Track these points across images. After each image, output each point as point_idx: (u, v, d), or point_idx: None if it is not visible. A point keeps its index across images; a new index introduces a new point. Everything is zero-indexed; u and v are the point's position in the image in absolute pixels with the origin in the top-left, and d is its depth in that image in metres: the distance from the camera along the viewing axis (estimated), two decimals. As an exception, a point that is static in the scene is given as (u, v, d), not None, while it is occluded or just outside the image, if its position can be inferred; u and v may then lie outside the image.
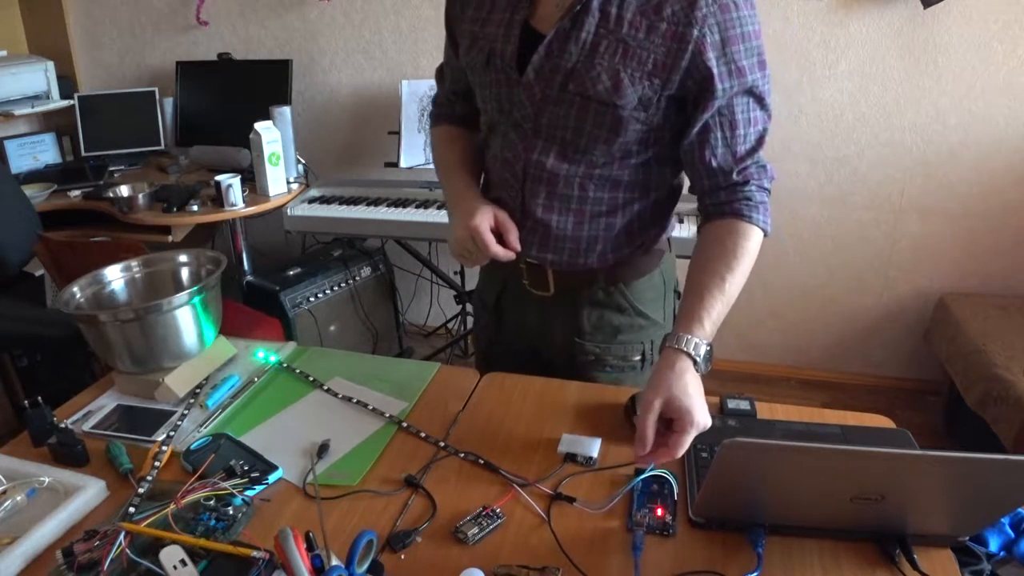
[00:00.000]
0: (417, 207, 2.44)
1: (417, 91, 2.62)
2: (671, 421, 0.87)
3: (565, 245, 1.11)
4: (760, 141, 1.02)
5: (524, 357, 1.24)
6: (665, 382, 0.88)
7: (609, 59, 0.95)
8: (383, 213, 2.42)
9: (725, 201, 1.03)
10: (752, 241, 1.00)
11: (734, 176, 1.02)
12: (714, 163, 1.01)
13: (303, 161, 2.73)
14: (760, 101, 1.00)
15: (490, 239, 1.04)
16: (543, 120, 1.03)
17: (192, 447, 0.98)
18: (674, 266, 1.22)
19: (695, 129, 1.00)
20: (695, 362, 0.91)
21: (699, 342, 0.92)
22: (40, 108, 2.90)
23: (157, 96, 3.00)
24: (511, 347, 1.27)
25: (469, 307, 2.97)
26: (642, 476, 0.92)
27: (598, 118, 0.99)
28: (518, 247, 1.07)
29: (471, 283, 2.93)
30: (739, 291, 0.99)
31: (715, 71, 0.94)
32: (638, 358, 1.19)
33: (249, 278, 2.62)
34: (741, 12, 0.94)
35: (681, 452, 0.86)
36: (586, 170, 1.05)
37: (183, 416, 1.07)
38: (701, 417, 0.86)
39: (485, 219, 1.04)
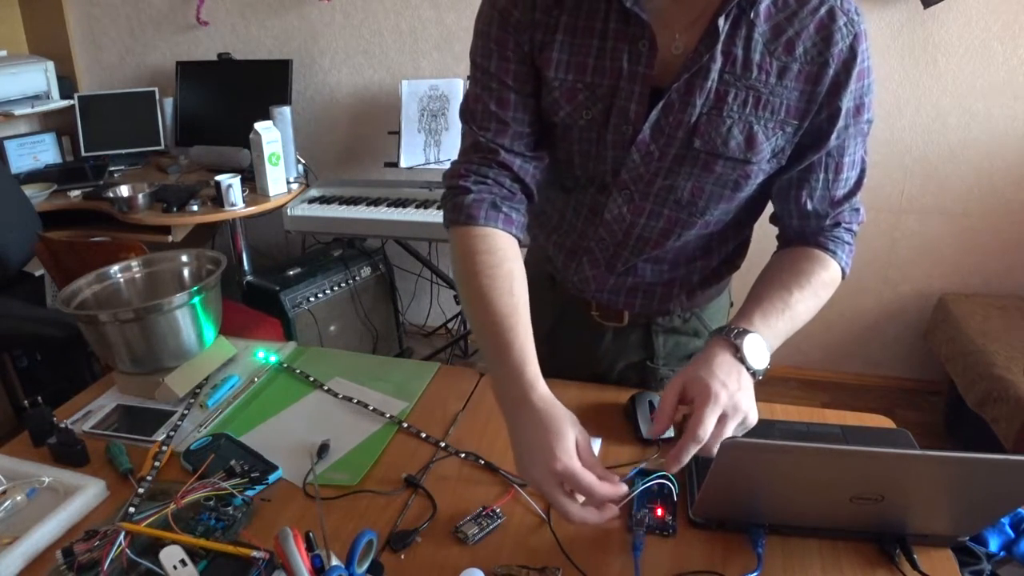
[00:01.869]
0: (417, 207, 2.44)
1: (417, 91, 2.62)
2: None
3: (655, 291, 1.04)
4: (859, 184, 0.94)
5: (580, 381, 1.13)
6: (693, 363, 0.82)
7: (739, 110, 0.84)
8: (383, 213, 2.42)
9: (810, 234, 0.96)
10: (829, 272, 0.93)
11: (826, 221, 0.95)
12: (809, 206, 0.93)
13: (303, 161, 2.73)
14: (865, 140, 0.91)
15: (592, 481, 0.73)
16: (657, 182, 0.91)
17: (192, 447, 0.98)
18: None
19: (799, 167, 0.90)
20: (736, 349, 0.82)
21: (745, 330, 0.83)
22: (40, 108, 2.91)
23: (157, 96, 3.00)
24: (566, 375, 1.09)
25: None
26: (645, 482, 0.91)
27: (724, 177, 0.88)
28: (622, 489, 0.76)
29: (471, 283, 2.92)
30: (807, 315, 0.91)
31: (842, 110, 0.85)
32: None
33: (249, 278, 2.62)
34: (867, 43, 0.84)
35: (703, 433, 0.75)
36: (698, 230, 0.95)
37: (183, 416, 1.07)
38: (726, 396, 0.76)
39: (573, 456, 0.74)
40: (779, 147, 0.88)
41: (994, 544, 1.10)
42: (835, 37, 0.82)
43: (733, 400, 0.77)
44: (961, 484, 0.73)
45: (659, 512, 0.86)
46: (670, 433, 1.00)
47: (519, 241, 0.92)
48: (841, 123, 0.86)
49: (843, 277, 0.97)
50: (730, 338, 0.83)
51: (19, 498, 0.89)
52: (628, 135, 0.88)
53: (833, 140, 0.87)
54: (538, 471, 0.74)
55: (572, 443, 0.74)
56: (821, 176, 0.91)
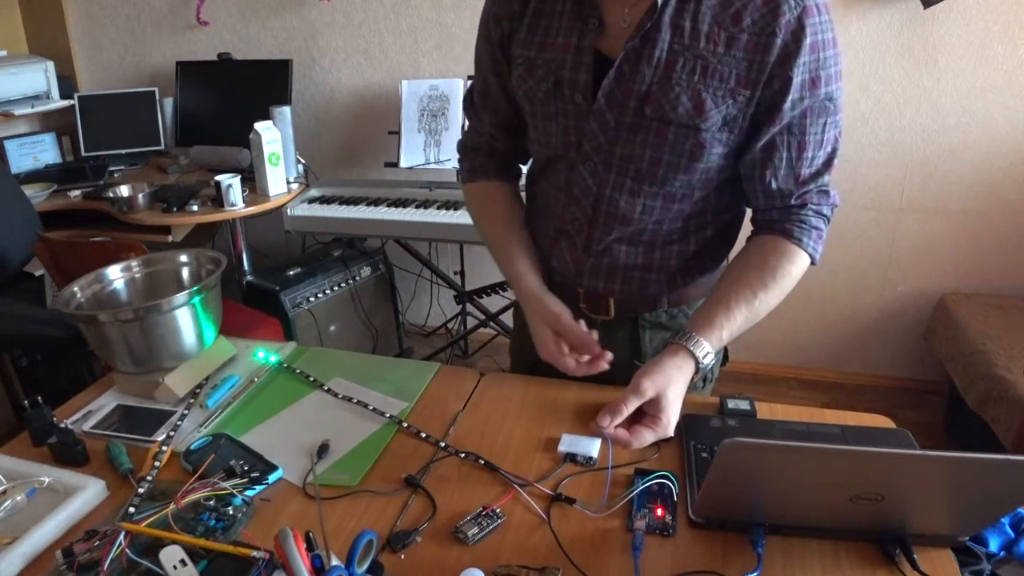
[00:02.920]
0: (417, 207, 2.44)
1: (417, 91, 2.62)
2: (641, 413, 0.91)
3: (633, 275, 1.06)
4: (828, 164, 0.96)
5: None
6: (666, 377, 0.89)
7: (688, 78, 0.88)
8: (383, 213, 2.42)
9: (776, 220, 0.99)
10: (796, 265, 0.96)
11: (792, 200, 0.97)
12: (774, 185, 0.95)
13: (303, 161, 2.73)
14: (835, 117, 0.94)
15: (588, 337, 0.96)
16: (616, 151, 0.95)
17: (192, 447, 0.98)
18: None
19: (759, 144, 0.93)
20: (697, 370, 0.92)
21: (710, 352, 0.92)
22: (40, 108, 2.91)
23: (157, 96, 3.00)
24: (557, 372, 1.11)
25: (469, 307, 2.97)
26: (645, 482, 0.92)
27: (678, 145, 0.92)
28: (605, 358, 0.96)
29: (471, 283, 2.93)
30: (768, 310, 0.97)
31: (794, 81, 0.88)
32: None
33: (249, 278, 2.62)
34: (822, 17, 0.88)
35: (638, 446, 0.89)
36: (663, 203, 0.98)
37: (183, 416, 1.07)
38: (672, 426, 0.90)
39: (572, 320, 0.97)
40: (731, 116, 0.90)
41: (994, 544, 1.10)
42: (782, 8, 0.85)
43: (672, 429, 0.90)
44: (961, 484, 0.73)
45: (659, 512, 0.86)
46: (670, 433, 1.01)
47: (516, 184, 1.13)
48: (795, 95, 0.89)
49: (813, 263, 0.99)
50: (700, 357, 0.92)
51: (19, 498, 0.89)
52: (584, 105, 0.94)
53: (788, 112, 0.90)
54: (548, 336, 0.96)
55: (569, 312, 0.97)
56: (784, 154, 0.93)
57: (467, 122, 1.17)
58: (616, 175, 0.97)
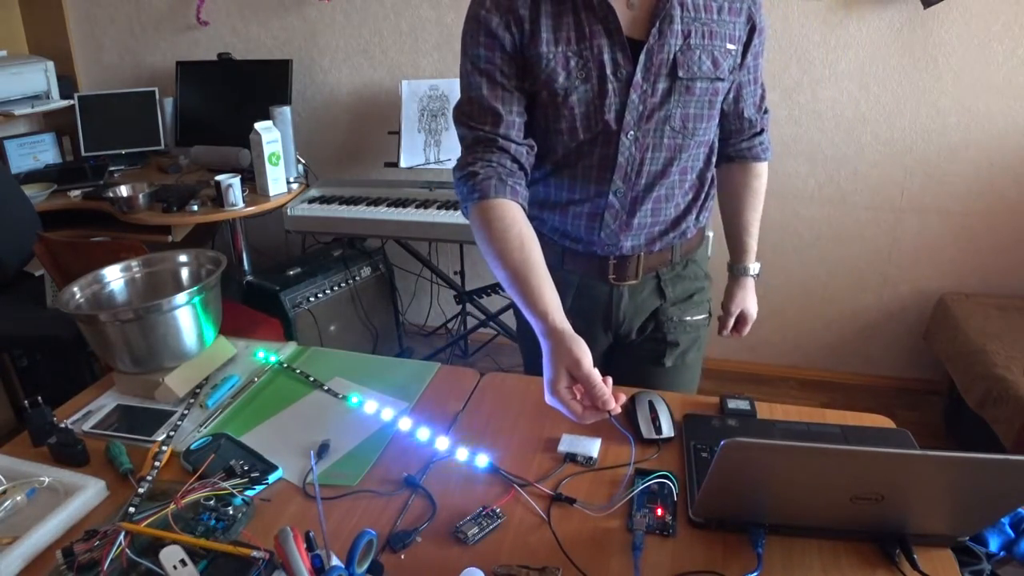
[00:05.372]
0: (417, 207, 2.44)
1: (417, 91, 2.62)
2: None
3: (666, 226, 1.21)
4: (764, 89, 1.25)
5: (600, 352, 1.33)
6: (741, 298, 1.40)
7: (701, 41, 1.07)
8: (383, 213, 2.42)
9: (747, 148, 1.28)
10: (766, 175, 1.33)
11: (757, 125, 1.26)
12: (746, 114, 1.23)
13: (303, 161, 2.73)
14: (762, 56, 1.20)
15: (604, 390, 0.89)
16: (655, 115, 1.09)
17: (192, 447, 0.98)
18: None
19: (735, 84, 1.17)
20: (754, 280, 1.40)
21: (756, 265, 1.39)
22: (40, 108, 2.90)
23: (157, 96, 3.00)
24: (589, 343, 1.20)
25: (469, 307, 2.97)
26: (645, 482, 0.92)
27: (703, 97, 1.10)
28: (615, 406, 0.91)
29: (471, 283, 2.93)
30: None
31: (755, 31, 1.13)
32: (705, 316, 1.34)
33: (249, 278, 2.62)
34: None
35: (745, 334, 1.43)
36: (689, 152, 1.15)
37: (183, 416, 1.07)
38: (755, 312, 1.43)
39: (592, 368, 0.91)
40: (732, 66, 1.13)
41: (994, 544, 1.10)
42: None
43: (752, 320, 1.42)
44: (961, 484, 0.73)
45: (659, 512, 0.86)
46: (670, 433, 1.01)
47: (524, 209, 1.08)
48: (755, 42, 1.14)
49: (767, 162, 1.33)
50: (755, 275, 1.40)
51: (19, 498, 0.89)
52: (623, 83, 1.06)
53: (750, 57, 1.15)
54: (562, 380, 0.90)
55: (590, 358, 0.91)
56: (749, 89, 1.21)
57: (467, 135, 1.10)
58: (654, 137, 1.11)
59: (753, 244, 1.37)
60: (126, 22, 3.12)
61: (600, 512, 0.87)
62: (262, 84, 2.84)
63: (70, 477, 0.92)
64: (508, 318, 2.80)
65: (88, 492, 0.89)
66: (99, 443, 1.00)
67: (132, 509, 0.86)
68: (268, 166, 2.46)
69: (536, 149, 1.13)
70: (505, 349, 3.05)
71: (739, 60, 1.14)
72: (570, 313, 1.16)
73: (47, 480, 0.92)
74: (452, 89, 2.58)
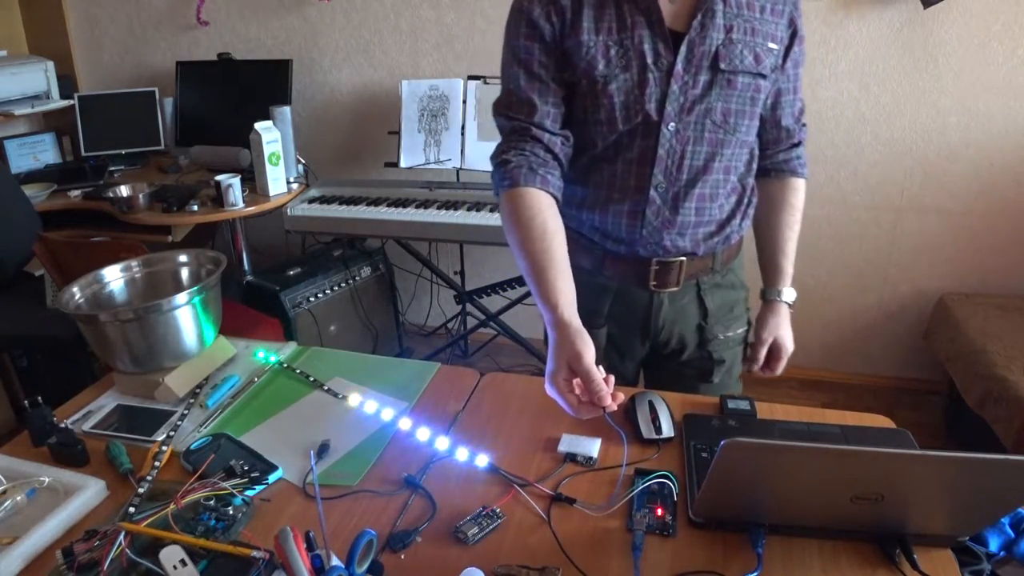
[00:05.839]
0: (417, 207, 2.44)
1: (417, 91, 2.62)
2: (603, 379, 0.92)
3: (712, 228, 1.18)
4: (803, 102, 1.23)
5: (634, 362, 1.32)
6: (773, 324, 1.31)
7: (742, 37, 1.08)
8: (383, 213, 2.42)
9: (783, 160, 1.26)
10: (803, 193, 1.29)
11: (795, 136, 1.24)
12: (783, 123, 1.22)
13: (303, 161, 2.73)
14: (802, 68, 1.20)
15: (602, 386, 0.89)
16: (696, 107, 1.09)
17: (192, 447, 0.98)
18: None
19: (774, 90, 1.17)
20: (789, 308, 1.32)
21: (791, 291, 1.31)
22: (40, 108, 2.90)
23: (157, 96, 3.00)
24: (627, 349, 1.30)
25: (469, 307, 2.97)
26: (645, 482, 0.92)
27: (744, 92, 1.10)
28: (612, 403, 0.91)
29: (471, 283, 2.93)
30: None
31: (796, 37, 1.14)
32: (745, 328, 1.33)
33: (249, 278, 2.62)
34: None
35: (779, 372, 1.33)
36: (732, 150, 1.15)
37: (183, 416, 1.07)
38: (791, 346, 1.33)
39: (592, 364, 0.91)
40: (774, 65, 1.13)
41: (994, 544, 1.10)
42: None
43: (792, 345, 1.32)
44: (961, 484, 0.73)
45: (659, 512, 0.86)
46: (670, 433, 1.01)
47: (556, 200, 1.09)
48: (795, 48, 1.15)
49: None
50: (788, 301, 1.32)
51: (19, 498, 0.89)
52: (665, 73, 1.07)
53: (790, 63, 1.16)
54: (562, 372, 0.91)
55: (593, 354, 0.91)
56: (787, 97, 1.20)
57: (504, 126, 1.13)
58: (695, 130, 1.10)
59: (789, 267, 1.30)
60: (126, 22, 3.12)
61: (600, 512, 0.87)
62: (262, 84, 2.84)
63: (70, 477, 0.92)
64: (508, 318, 2.80)
65: (88, 492, 0.89)
66: (99, 443, 1.00)
67: (132, 509, 0.86)
68: (268, 166, 2.46)
69: (572, 140, 1.13)
70: (505, 349, 3.05)
71: (780, 62, 1.14)
72: (607, 319, 1.26)
73: (47, 480, 0.92)
74: (452, 89, 2.58)
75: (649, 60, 1.07)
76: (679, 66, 1.07)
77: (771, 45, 1.11)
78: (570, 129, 1.13)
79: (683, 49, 1.06)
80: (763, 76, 1.11)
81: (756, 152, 1.22)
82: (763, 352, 1.30)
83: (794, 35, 1.14)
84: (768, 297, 1.32)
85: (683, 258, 1.18)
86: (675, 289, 1.21)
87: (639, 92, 1.08)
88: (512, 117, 1.11)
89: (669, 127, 1.09)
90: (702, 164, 1.13)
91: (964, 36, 2.35)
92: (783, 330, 1.31)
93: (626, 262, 1.20)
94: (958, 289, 2.63)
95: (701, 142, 1.12)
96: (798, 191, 1.28)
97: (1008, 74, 2.37)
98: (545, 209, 1.05)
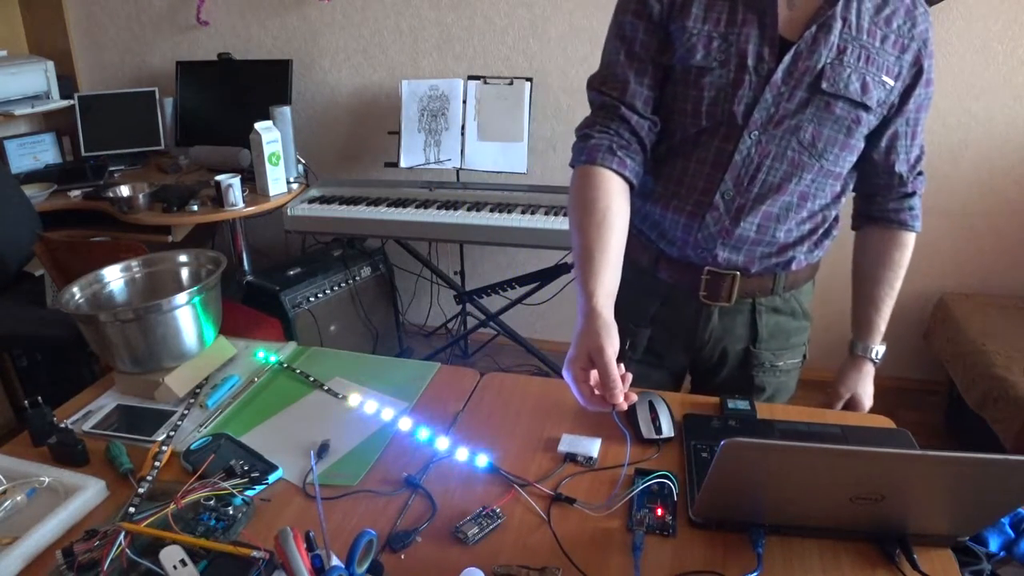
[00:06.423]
0: (417, 207, 2.44)
1: (417, 91, 2.62)
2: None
3: (771, 250, 1.13)
4: (923, 150, 1.14)
5: (671, 371, 1.29)
6: (853, 380, 1.25)
7: (855, 63, 1.01)
8: (383, 213, 2.42)
9: (893, 210, 1.18)
10: (911, 248, 1.21)
11: (908, 185, 1.15)
12: (897, 168, 1.13)
13: (303, 161, 2.73)
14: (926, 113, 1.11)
15: (616, 376, 0.87)
16: (785, 121, 1.04)
17: (192, 447, 0.98)
18: None
19: (889, 131, 1.09)
20: (874, 364, 1.25)
21: (880, 348, 1.25)
22: (40, 108, 2.90)
23: (157, 96, 3.00)
24: (669, 357, 1.27)
25: (469, 307, 2.97)
26: (645, 482, 0.92)
27: (841, 119, 1.04)
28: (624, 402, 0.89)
29: (471, 283, 2.92)
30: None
31: (921, 79, 1.06)
32: (799, 360, 1.28)
33: (249, 278, 2.62)
34: (934, 31, 1.07)
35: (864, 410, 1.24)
36: (813, 177, 1.08)
37: (183, 416, 1.07)
38: (870, 404, 1.24)
39: (612, 359, 0.88)
40: (883, 99, 1.05)
41: (994, 544, 1.10)
42: (918, 19, 1.04)
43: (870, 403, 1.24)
44: (961, 484, 0.73)
45: (659, 512, 0.86)
46: (670, 433, 1.01)
47: (632, 185, 1.06)
48: (919, 90, 1.07)
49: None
50: (874, 358, 1.27)
51: (19, 498, 0.89)
52: (762, 78, 1.02)
53: (911, 104, 1.07)
54: (581, 360, 0.89)
55: (615, 349, 0.89)
56: (905, 142, 1.11)
57: (595, 100, 1.11)
58: (778, 145, 1.05)
59: (882, 325, 1.24)
60: (126, 22, 3.12)
61: (600, 512, 0.87)
62: (262, 84, 2.84)
63: (70, 477, 0.92)
64: (508, 318, 2.80)
65: (88, 492, 0.89)
66: (99, 443, 1.00)
67: (132, 509, 0.86)
68: (268, 166, 2.46)
69: (659, 127, 1.09)
70: (505, 349, 3.05)
71: (895, 101, 1.07)
72: (653, 322, 1.23)
73: (47, 480, 0.92)
74: (452, 89, 2.58)
75: (750, 61, 1.02)
76: (779, 75, 1.01)
77: (885, 78, 1.03)
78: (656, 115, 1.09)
79: (788, 58, 1.01)
80: (866, 108, 1.04)
81: (848, 187, 1.16)
82: (838, 407, 1.24)
83: (919, 74, 1.06)
84: (854, 352, 1.26)
85: (736, 272, 1.14)
86: (726, 304, 1.16)
87: (731, 91, 1.03)
88: (604, 93, 1.08)
89: (752, 135, 1.05)
90: (777, 182, 1.08)
91: (964, 36, 2.35)
92: (863, 387, 1.25)
93: (679, 267, 1.17)
94: (958, 289, 2.63)
95: (782, 159, 1.06)
96: (904, 247, 1.20)
97: (1008, 74, 2.37)
98: (613, 193, 1.02)
